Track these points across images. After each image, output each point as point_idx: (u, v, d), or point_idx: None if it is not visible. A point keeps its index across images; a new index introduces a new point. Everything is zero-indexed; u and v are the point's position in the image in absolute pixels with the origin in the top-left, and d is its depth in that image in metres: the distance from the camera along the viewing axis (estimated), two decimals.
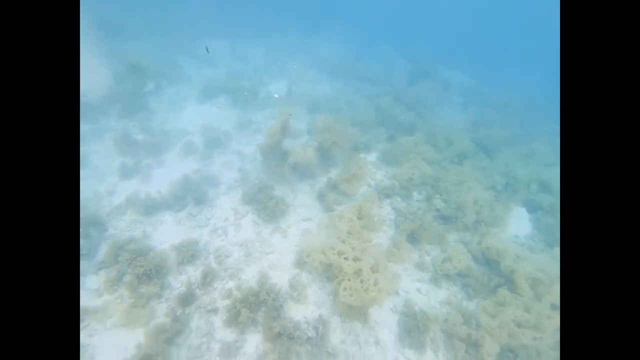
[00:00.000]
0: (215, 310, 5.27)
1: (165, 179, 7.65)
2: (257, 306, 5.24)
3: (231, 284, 5.73)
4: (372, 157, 9.47)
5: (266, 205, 7.16)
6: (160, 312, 5.17)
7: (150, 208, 6.92)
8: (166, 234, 6.54)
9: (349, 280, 5.40)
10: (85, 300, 5.38)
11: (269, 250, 6.50)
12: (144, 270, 5.35)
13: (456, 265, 6.28)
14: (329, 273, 5.92)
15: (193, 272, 5.85)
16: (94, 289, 5.52)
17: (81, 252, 5.87)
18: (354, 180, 7.91)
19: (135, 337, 4.84)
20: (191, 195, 7.33)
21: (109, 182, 7.64)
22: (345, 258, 5.67)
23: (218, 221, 6.98)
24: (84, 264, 5.85)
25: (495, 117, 13.02)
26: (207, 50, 11.16)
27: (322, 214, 7.33)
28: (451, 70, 18.82)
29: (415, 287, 6.12)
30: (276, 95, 11.39)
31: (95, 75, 10.17)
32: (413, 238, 6.93)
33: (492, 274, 6.30)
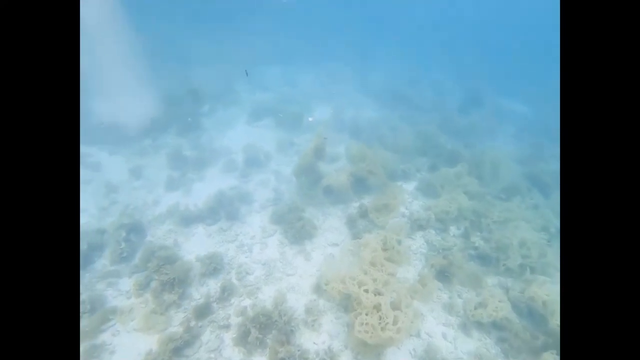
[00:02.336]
0: (227, 327, 5.33)
1: (204, 193, 8.18)
2: (267, 327, 5.19)
3: (247, 302, 5.78)
4: (410, 186, 9.13)
5: (294, 226, 7.22)
6: (176, 321, 5.39)
7: (187, 219, 7.40)
8: (196, 245, 6.91)
9: (366, 314, 5.12)
10: (117, 300, 5.83)
11: (290, 271, 6.49)
12: (168, 278, 5.67)
13: (492, 314, 5.61)
14: (347, 303, 5.69)
15: (213, 285, 6.04)
16: (125, 290, 5.98)
17: (120, 255, 6.44)
18: (387, 209, 7.66)
19: (150, 342, 5.07)
20: (225, 210, 7.70)
21: (156, 192, 8.39)
22: (365, 290, 5.41)
23: (245, 238, 7.20)
24: (121, 267, 6.39)
25: (554, 150, 11.83)
26: (246, 74, 12.03)
27: (349, 241, 7.17)
28: (506, 98, 17.78)
29: (440, 331, 5.58)
30: (310, 119, 11.73)
31: (161, 97, 11.45)
32: (444, 276, 6.40)
33: (537, 331, 5.49)
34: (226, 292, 5.82)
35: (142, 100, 10.05)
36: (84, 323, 5.33)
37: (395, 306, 5.30)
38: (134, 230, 6.86)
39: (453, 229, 7.64)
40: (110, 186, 8.45)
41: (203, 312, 5.47)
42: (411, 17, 36.47)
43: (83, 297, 5.71)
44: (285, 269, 6.52)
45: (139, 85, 8.42)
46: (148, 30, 17.02)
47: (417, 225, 7.56)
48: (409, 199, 8.61)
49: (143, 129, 10.35)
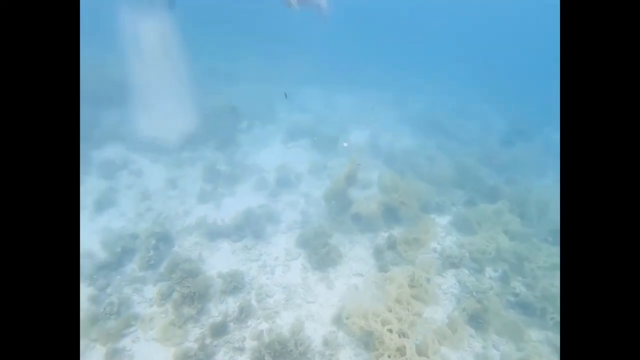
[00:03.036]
0: (241, 350, 5.23)
1: (232, 209, 8.34)
2: (282, 356, 5.02)
3: (264, 326, 5.67)
4: (443, 220, 8.71)
5: (319, 252, 7.10)
6: (193, 336, 5.38)
7: (213, 233, 7.54)
8: (219, 260, 6.99)
9: (389, 357, 4.81)
10: (140, 307, 5.97)
11: (311, 299, 6.31)
12: (189, 292, 5.73)
13: None
14: (369, 340, 5.38)
15: (232, 304, 6.00)
16: (148, 298, 6.12)
17: (148, 262, 6.65)
18: (418, 243, 7.32)
19: (166, 354, 5.09)
20: (251, 228, 7.77)
21: (188, 203, 8.69)
22: (389, 330, 5.11)
23: (269, 258, 7.16)
24: (148, 274, 6.58)
25: None
26: (285, 96, 12.42)
27: (375, 273, 6.89)
28: (557, 132, 16.72)
29: None
30: (345, 144, 11.71)
31: (203, 112, 12.09)
32: (477, 322, 5.88)
33: None
34: (244, 313, 5.75)
35: (186, 114, 10.65)
36: (110, 324, 5.51)
37: (421, 351, 4.92)
38: (163, 239, 7.09)
39: (490, 271, 7.09)
40: (148, 193, 8.89)
41: (219, 330, 5.43)
42: (455, 46, 36.29)
43: (112, 298, 5.94)
44: (306, 296, 6.36)
45: (184, 99, 8.93)
46: (197, 49, 18.34)
47: (449, 262, 7.12)
48: (441, 233, 8.20)
49: (184, 140, 10.91)
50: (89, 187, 8.72)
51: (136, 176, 9.46)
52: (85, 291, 6.06)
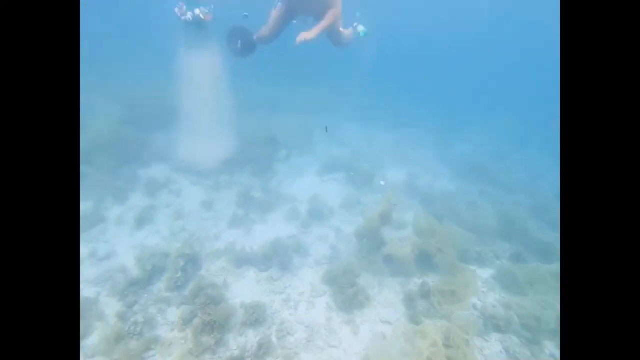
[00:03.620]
0: None
1: (262, 237, 8.35)
2: None
3: None
4: (485, 273, 8.05)
5: (345, 292, 6.79)
6: None
7: (240, 260, 7.53)
8: (244, 289, 6.89)
9: None
10: (162, 330, 5.96)
11: (334, 343, 5.95)
12: (210, 319, 5.64)
13: None
14: None
15: (252, 338, 5.81)
16: (171, 321, 6.11)
17: (175, 284, 6.71)
18: (455, 296, 6.77)
19: None
20: (279, 258, 7.67)
21: (219, 227, 8.85)
22: None
23: (294, 293, 6.96)
24: (173, 295, 6.62)
25: None
26: (326, 130, 12.62)
27: (405, 323, 6.39)
28: None
29: None
30: (383, 183, 11.49)
31: (246, 139, 12.62)
32: None
33: None
34: (263, 350, 5.52)
35: (228, 140, 11.14)
36: (132, 345, 5.51)
37: None
38: (192, 261, 7.18)
39: (550, 346, 6.20)
40: (184, 213, 9.20)
41: None
42: (503, 89, 35.59)
43: (138, 317, 5.99)
44: (329, 339, 6.01)
45: (228, 126, 9.39)
46: (242, 79, 19.57)
47: (493, 324, 6.43)
48: (483, 288, 7.53)
49: (224, 165, 11.36)
50: (133, 204, 9.22)
51: (175, 196, 9.89)
52: (115, 307, 6.19)
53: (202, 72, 6.00)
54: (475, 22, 38.46)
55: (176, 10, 4.78)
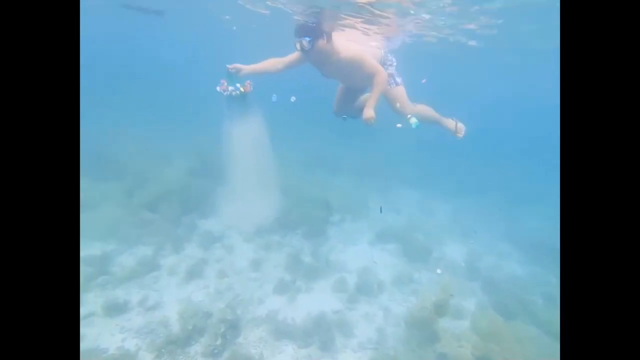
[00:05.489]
0: None
1: (306, 308, 8.10)
2: None
3: None
4: None
5: None
6: None
7: (280, 332, 7.31)
8: None
9: None
10: None
11: None
12: None
13: None
14: None
15: None
16: None
17: (213, 351, 6.68)
18: None
19: None
20: (320, 336, 7.30)
21: (264, 290, 8.84)
22: None
23: None
24: None
25: None
26: (380, 210, 12.38)
27: None
28: None
29: None
30: (439, 271, 10.53)
31: (301, 199, 13.01)
32: None
33: None
34: None
35: (283, 199, 11.57)
36: None
37: None
38: (232, 326, 7.16)
39: None
40: (232, 271, 9.44)
41: None
42: None
43: None
44: None
45: (283, 185, 9.82)
46: (304, 139, 20.72)
47: None
48: None
49: (277, 224, 11.66)
50: (187, 254, 9.78)
51: (227, 251, 10.29)
52: None
53: (259, 135, 6.48)
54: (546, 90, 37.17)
55: (218, 88, 5.35)
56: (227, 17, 16.00)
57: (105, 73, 35.83)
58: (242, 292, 8.62)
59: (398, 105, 6.14)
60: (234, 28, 16.73)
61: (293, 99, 6.59)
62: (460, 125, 6.71)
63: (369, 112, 5.12)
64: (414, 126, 5.50)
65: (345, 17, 8.72)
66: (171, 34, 29.93)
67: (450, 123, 6.73)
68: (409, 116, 5.69)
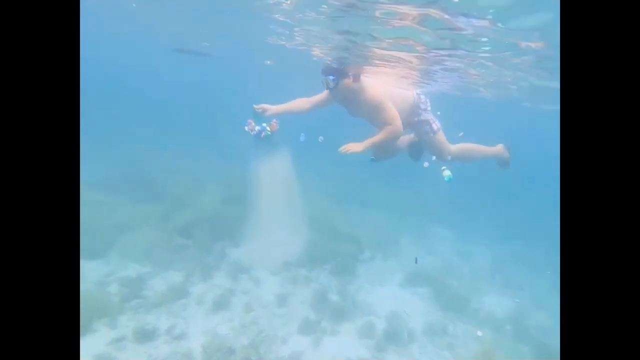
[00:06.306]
0: None
1: (330, 352, 7.77)
2: None
3: None
4: None
5: None
6: None
7: None
8: None
9: None
10: None
11: None
12: None
13: None
14: None
15: None
16: None
17: None
18: None
19: None
20: None
21: (289, 329, 8.64)
22: None
23: None
24: None
25: None
26: (416, 261, 11.89)
27: None
28: None
29: None
30: (480, 333, 9.60)
31: (331, 234, 12.91)
32: None
33: None
34: None
35: (314, 233, 11.52)
36: None
37: None
38: None
39: None
40: (258, 305, 9.36)
41: None
42: None
43: None
44: None
45: (314, 220, 9.83)
46: (333, 176, 20.79)
47: None
48: None
49: (307, 257, 11.56)
50: (215, 283, 9.88)
51: (254, 283, 10.27)
52: None
53: (287, 171, 6.58)
54: None
55: (246, 128, 5.53)
56: (269, 62, 16.95)
57: (155, 102, 39.05)
58: (266, 329, 8.47)
59: (439, 155, 6.21)
60: (268, 62, 17.52)
61: (321, 138, 6.73)
62: (507, 154, 6.55)
63: (354, 147, 5.06)
64: (446, 179, 5.37)
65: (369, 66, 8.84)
66: (215, 70, 32.17)
67: (497, 150, 6.59)
68: (442, 168, 5.59)
